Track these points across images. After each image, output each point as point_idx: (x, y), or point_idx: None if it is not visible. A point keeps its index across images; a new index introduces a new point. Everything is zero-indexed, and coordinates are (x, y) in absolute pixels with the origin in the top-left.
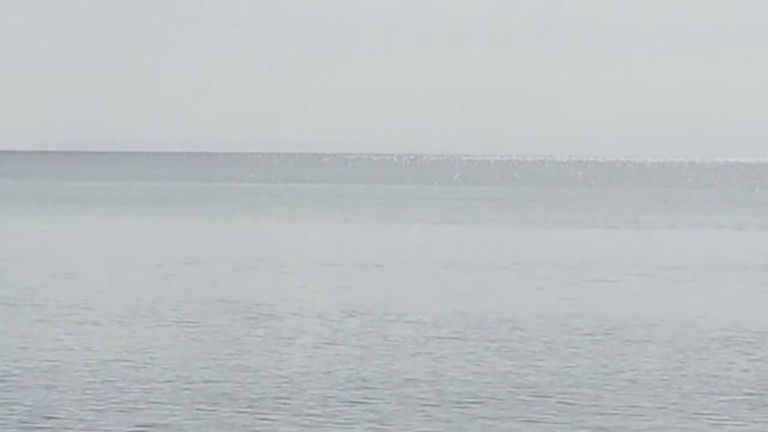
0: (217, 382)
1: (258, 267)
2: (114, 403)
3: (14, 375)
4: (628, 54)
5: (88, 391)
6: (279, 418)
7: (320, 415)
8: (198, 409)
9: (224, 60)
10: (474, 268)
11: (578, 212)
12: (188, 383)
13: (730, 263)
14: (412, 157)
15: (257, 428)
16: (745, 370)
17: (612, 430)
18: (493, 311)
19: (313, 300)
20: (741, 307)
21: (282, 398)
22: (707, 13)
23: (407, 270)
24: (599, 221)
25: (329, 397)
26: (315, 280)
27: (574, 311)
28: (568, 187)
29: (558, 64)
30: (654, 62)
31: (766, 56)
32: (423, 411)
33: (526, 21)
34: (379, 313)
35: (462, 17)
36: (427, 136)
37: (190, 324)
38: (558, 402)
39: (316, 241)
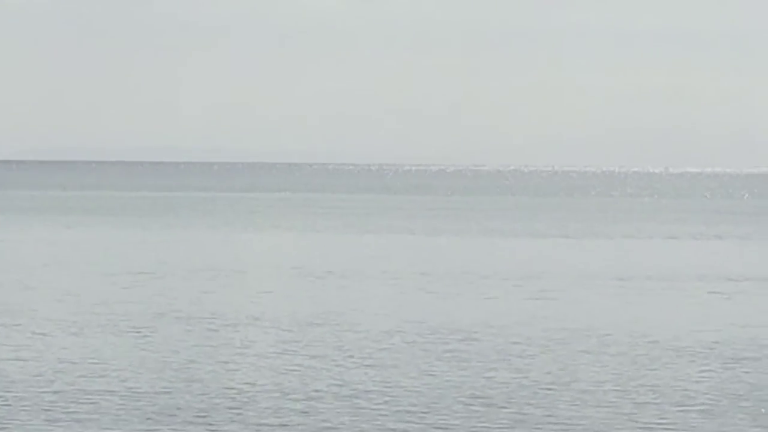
0: (168, 393)
1: (212, 277)
2: (65, 413)
3: None
4: (583, 61)
5: (40, 402)
6: (231, 429)
7: (272, 426)
8: (149, 419)
9: (162, 66)
10: (427, 278)
11: (533, 222)
12: (140, 394)
13: (683, 273)
14: (365, 166)
15: None
16: (697, 381)
17: None
18: (446, 321)
19: (266, 310)
20: (693, 317)
21: (234, 409)
22: (660, 21)
23: (361, 280)
24: (553, 231)
25: (281, 407)
26: (269, 290)
27: (527, 322)
28: (522, 196)
29: (513, 71)
30: (610, 70)
31: (723, 63)
32: (375, 421)
33: (480, 28)
34: (333, 323)
35: (416, 24)
36: (380, 144)
37: (143, 334)
38: (511, 412)
39: (271, 251)
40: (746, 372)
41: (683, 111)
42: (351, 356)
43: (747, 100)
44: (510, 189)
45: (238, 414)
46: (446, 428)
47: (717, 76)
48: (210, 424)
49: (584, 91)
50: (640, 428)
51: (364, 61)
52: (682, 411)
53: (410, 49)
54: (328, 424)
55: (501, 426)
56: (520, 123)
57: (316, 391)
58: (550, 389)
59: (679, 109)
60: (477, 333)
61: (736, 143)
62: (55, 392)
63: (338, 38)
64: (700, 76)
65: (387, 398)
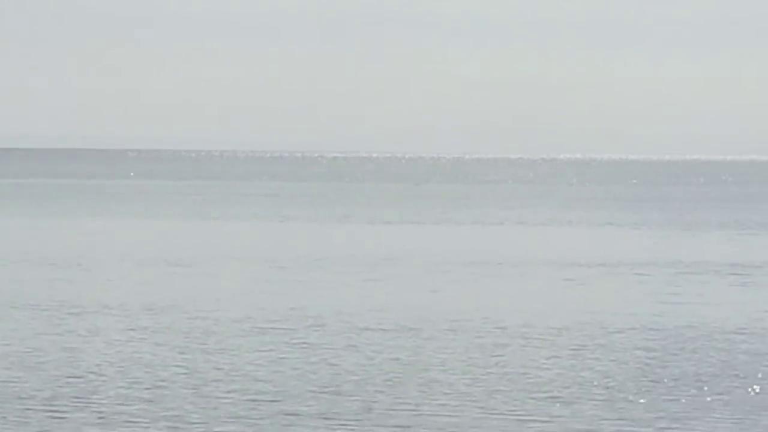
0: (12, 381)
1: (61, 266)
2: None
3: None
4: (448, 50)
5: None
6: (76, 417)
7: (119, 414)
8: None
9: (59, 55)
10: (278, 265)
11: (385, 209)
12: None
13: (533, 259)
14: (233, 152)
15: (53, 428)
16: (547, 368)
17: (413, 428)
18: (296, 308)
19: (114, 298)
20: (543, 304)
21: (80, 397)
22: (522, 8)
23: (214, 267)
24: (405, 218)
25: (128, 396)
26: (120, 277)
27: (377, 309)
28: (379, 183)
29: (381, 60)
30: (473, 59)
31: (582, 54)
32: (223, 409)
33: (348, 16)
34: (182, 310)
35: (286, 12)
36: (244, 131)
37: None
38: (360, 400)
39: (122, 239)
40: (596, 359)
41: (545, 98)
42: (199, 344)
43: (607, 87)
44: (368, 176)
45: (84, 402)
46: (295, 415)
47: (576, 64)
48: (55, 413)
49: (456, 81)
50: (488, 415)
51: (235, 52)
52: (532, 398)
53: (278, 38)
54: (176, 413)
55: (350, 413)
56: (389, 112)
57: (163, 379)
58: (399, 376)
59: (541, 97)
60: (327, 320)
61: (598, 130)
62: None
63: (221, 27)
64: (561, 64)
65: (235, 386)
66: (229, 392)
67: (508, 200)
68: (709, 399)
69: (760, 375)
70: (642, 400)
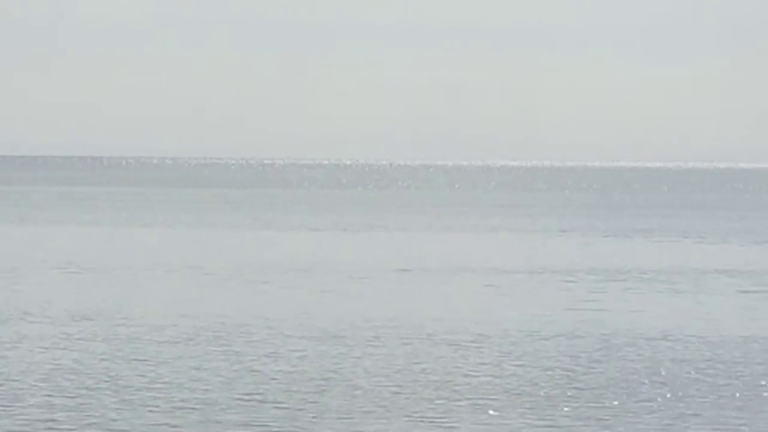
0: None
1: None
2: None
3: None
4: (372, 56)
5: None
6: (1, 424)
7: (43, 421)
8: None
9: None
10: (202, 272)
11: (310, 215)
12: None
13: (458, 266)
14: (149, 158)
15: None
16: (471, 375)
17: None
18: (221, 316)
19: (38, 305)
20: (468, 310)
21: (2, 406)
22: (446, 16)
23: (135, 274)
24: (330, 224)
25: (52, 404)
26: (42, 284)
27: (301, 315)
28: (305, 190)
29: (306, 67)
30: (397, 65)
31: (497, 60)
32: (147, 417)
33: (272, 23)
34: (105, 317)
35: (209, 19)
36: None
37: None
38: (285, 407)
39: (48, 245)
40: (521, 365)
41: (470, 106)
42: (123, 351)
43: (532, 94)
44: (294, 183)
45: (7, 410)
46: (220, 423)
47: (500, 70)
48: None
49: (381, 87)
50: (416, 423)
51: (158, 58)
52: (458, 405)
53: (197, 46)
54: (99, 420)
55: (275, 421)
56: (315, 119)
57: (87, 387)
58: (324, 384)
59: (465, 104)
60: (251, 328)
61: (525, 137)
62: None
63: (139, 33)
64: (485, 71)
65: (159, 393)
66: (152, 399)
67: (432, 207)
68: (634, 405)
69: (684, 381)
70: (568, 407)
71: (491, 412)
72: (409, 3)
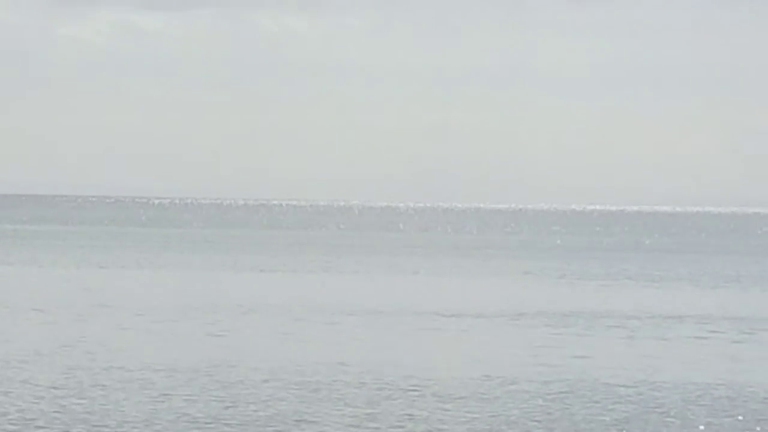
0: None
1: None
2: None
3: None
4: (353, 98)
5: None
6: None
7: None
8: None
9: None
10: (154, 313)
11: (273, 257)
12: None
13: (423, 310)
14: (123, 198)
15: None
16: (440, 419)
17: None
18: (110, 358)
19: None
20: (432, 354)
21: None
22: (428, 59)
23: (82, 314)
24: (295, 265)
25: None
26: (3, 325)
27: (257, 359)
28: (269, 231)
29: (283, 108)
30: (377, 107)
31: (488, 100)
32: None
33: (248, 64)
34: (52, 358)
35: (184, 59)
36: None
37: None
38: None
39: (10, 286)
40: (480, 414)
41: (452, 147)
42: (65, 391)
43: (514, 136)
44: (260, 224)
45: None
46: None
47: (481, 112)
48: None
49: (361, 129)
50: None
51: (132, 97)
52: None
53: (173, 86)
54: None
55: None
56: (292, 160)
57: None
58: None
59: (448, 145)
60: (195, 371)
61: (507, 180)
62: None
63: (107, 73)
64: (467, 112)
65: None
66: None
67: (403, 248)
68: None
69: (651, 427)
70: None
71: None
72: (386, 43)
